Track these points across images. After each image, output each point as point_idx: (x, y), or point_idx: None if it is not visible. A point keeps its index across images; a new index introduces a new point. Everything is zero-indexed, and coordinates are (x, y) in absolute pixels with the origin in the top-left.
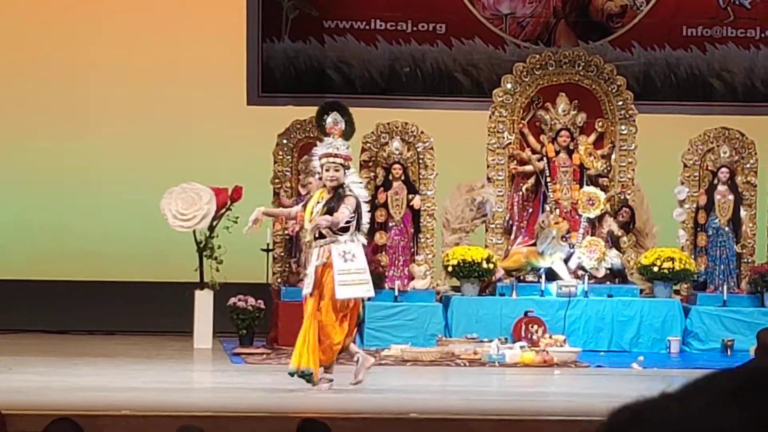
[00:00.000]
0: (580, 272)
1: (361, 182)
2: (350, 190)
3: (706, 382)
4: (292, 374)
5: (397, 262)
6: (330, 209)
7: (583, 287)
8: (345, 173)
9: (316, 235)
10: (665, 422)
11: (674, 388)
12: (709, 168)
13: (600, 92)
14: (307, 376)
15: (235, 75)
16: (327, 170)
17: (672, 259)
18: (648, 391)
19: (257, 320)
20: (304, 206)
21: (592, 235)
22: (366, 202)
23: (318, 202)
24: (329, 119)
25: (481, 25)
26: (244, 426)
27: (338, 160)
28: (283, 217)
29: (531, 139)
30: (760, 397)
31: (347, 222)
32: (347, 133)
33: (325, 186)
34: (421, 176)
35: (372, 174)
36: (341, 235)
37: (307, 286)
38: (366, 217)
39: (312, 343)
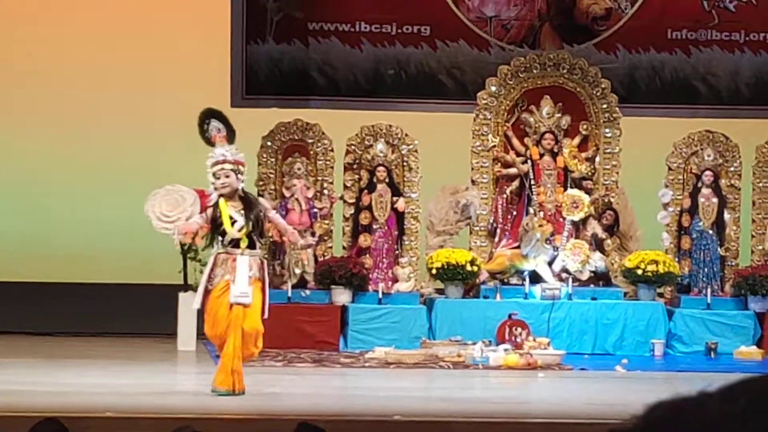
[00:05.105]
0: (564, 275)
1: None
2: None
3: (747, 385)
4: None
5: (381, 264)
6: (256, 217)
7: (567, 290)
8: (238, 177)
9: (246, 244)
10: (707, 420)
11: (713, 388)
12: (693, 171)
13: (584, 95)
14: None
15: (219, 77)
16: (218, 178)
17: (656, 262)
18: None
19: None
20: (213, 217)
21: (576, 237)
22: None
23: (236, 212)
24: (211, 128)
25: (466, 28)
26: (228, 428)
27: (228, 166)
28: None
29: (515, 141)
30: None
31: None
32: (231, 138)
33: (222, 195)
34: (405, 179)
35: (356, 176)
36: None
37: (244, 296)
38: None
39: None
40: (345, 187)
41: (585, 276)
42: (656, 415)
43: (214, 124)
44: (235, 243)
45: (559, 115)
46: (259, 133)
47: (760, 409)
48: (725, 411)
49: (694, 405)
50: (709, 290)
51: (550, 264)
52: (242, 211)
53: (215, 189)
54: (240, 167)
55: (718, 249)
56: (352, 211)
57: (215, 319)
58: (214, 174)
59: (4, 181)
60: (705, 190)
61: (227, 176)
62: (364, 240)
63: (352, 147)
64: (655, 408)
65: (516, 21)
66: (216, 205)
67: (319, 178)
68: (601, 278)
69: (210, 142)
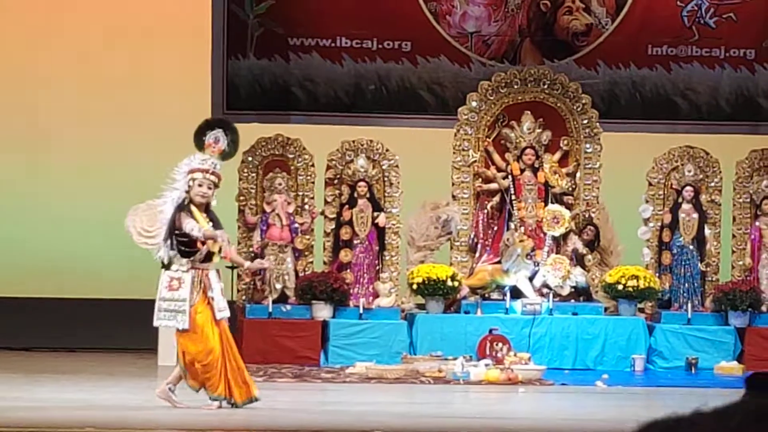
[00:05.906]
0: (544, 290)
1: None
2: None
3: (740, 404)
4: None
5: (361, 279)
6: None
7: (547, 305)
8: (213, 194)
9: (205, 258)
10: None
11: (707, 407)
12: (674, 186)
13: (565, 110)
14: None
15: (200, 92)
16: (200, 185)
17: (636, 278)
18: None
19: None
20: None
21: (557, 253)
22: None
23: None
24: (210, 136)
25: (447, 43)
26: None
27: (213, 178)
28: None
29: (496, 157)
30: None
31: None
32: (227, 154)
33: (192, 201)
34: (386, 194)
35: (337, 191)
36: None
37: (225, 310)
38: None
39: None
40: (326, 202)
41: (566, 291)
42: None
43: (217, 134)
44: (208, 257)
45: (540, 130)
46: (240, 148)
47: (751, 426)
48: (720, 428)
49: (688, 424)
50: (689, 305)
51: (530, 279)
52: (211, 225)
53: (188, 194)
54: (218, 182)
55: (699, 264)
56: (333, 226)
57: (203, 334)
58: (194, 179)
59: None
60: (685, 206)
61: (209, 188)
62: (344, 255)
63: (333, 162)
64: (649, 426)
65: (497, 37)
66: (190, 213)
67: (300, 193)
68: (581, 293)
69: (200, 147)
